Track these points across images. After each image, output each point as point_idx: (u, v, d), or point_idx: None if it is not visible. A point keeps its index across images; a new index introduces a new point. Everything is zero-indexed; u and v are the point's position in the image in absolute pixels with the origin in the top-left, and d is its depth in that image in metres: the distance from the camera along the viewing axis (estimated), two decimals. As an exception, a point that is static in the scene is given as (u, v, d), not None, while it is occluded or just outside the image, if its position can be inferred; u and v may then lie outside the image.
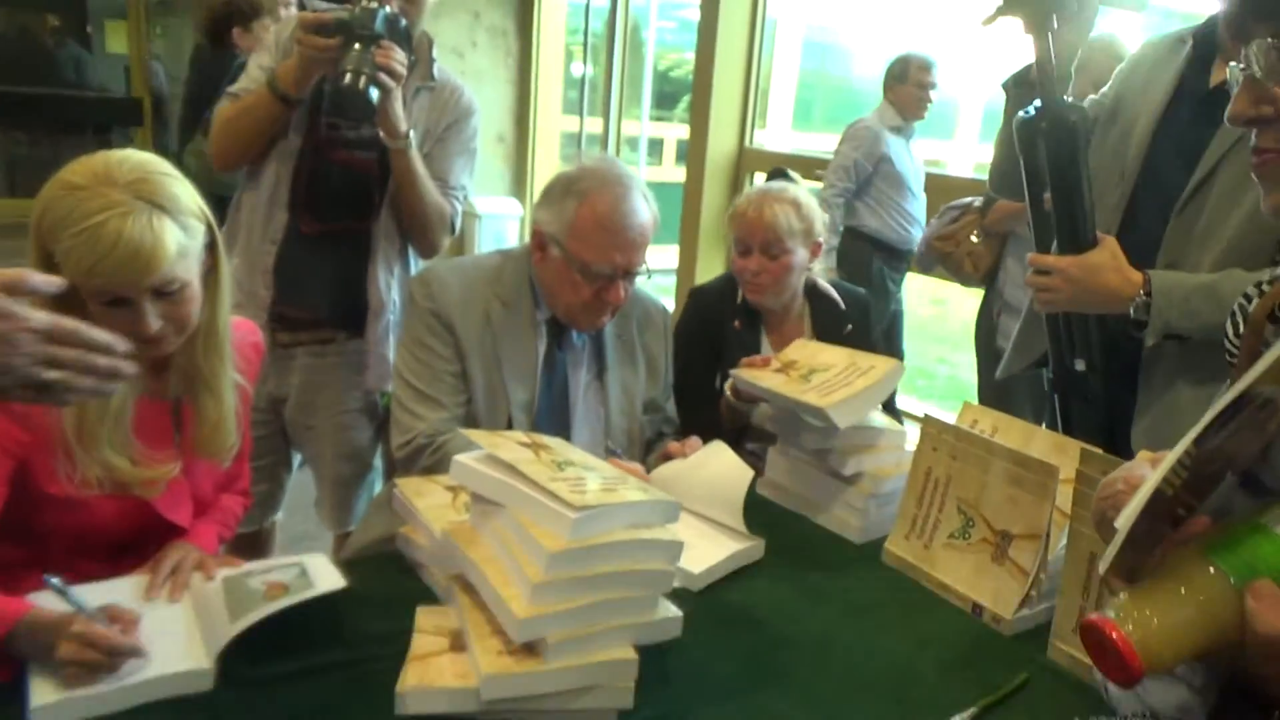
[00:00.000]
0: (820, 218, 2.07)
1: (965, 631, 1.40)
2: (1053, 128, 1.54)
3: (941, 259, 3.08)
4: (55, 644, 1.04)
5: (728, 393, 1.90)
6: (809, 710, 1.18)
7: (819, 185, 4.13)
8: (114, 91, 7.69)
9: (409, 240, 2.03)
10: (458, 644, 1.14)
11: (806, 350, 1.84)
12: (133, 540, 1.37)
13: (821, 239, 2.09)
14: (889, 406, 2.08)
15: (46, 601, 1.11)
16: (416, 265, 2.09)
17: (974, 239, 3.00)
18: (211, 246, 1.31)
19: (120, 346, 0.93)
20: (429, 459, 1.62)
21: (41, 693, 1.03)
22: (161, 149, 2.75)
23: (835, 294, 2.15)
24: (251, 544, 2.19)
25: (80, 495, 1.26)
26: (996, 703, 1.22)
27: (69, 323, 0.88)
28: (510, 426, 1.69)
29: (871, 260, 4.10)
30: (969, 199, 3.09)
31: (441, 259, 2.05)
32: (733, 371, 1.83)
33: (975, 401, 2.57)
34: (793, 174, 2.25)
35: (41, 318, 0.86)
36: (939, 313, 8.34)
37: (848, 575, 1.55)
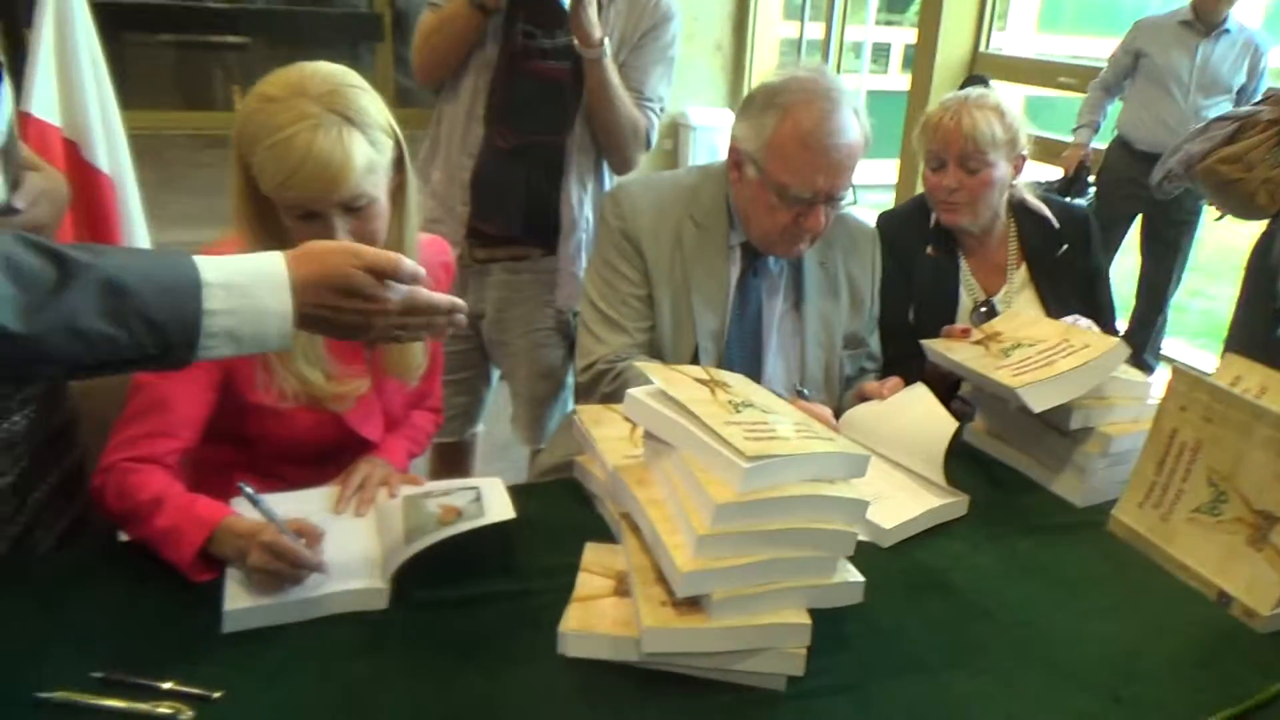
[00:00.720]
0: (1026, 128, 1.81)
1: (1207, 624, 1.20)
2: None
3: (1222, 185, 2.58)
4: (248, 550, 1.08)
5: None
6: (1005, 698, 1.05)
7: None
8: (356, 5, 8.10)
9: (604, 155, 1.96)
10: (623, 588, 1.10)
11: (1016, 321, 1.62)
12: (331, 450, 1.42)
13: (1025, 152, 1.83)
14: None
15: (249, 509, 1.16)
16: (611, 182, 2.03)
17: (1273, 162, 2.48)
18: (399, 163, 1.30)
19: (459, 304, 1.03)
20: (608, 386, 1.58)
21: (234, 597, 1.08)
22: (404, 64, 2.79)
23: (1047, 211, 1.89)
24: (454, 454, 2.28)
25: (279, 406, 1.31)
26: (1244, 713, 1.04)
27: (420, 298, 0.98)
28: (697, 355, 1.61)
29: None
30: (1248, 109, 2.58)
31: (640, 174, 1.97)
32: (924, 343, 1.64)
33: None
34: (991, 81, 1.97)
35: (397, 301, 0.96)
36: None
37: (1064, 544, 1.37)
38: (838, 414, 1.64)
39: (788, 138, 1.49)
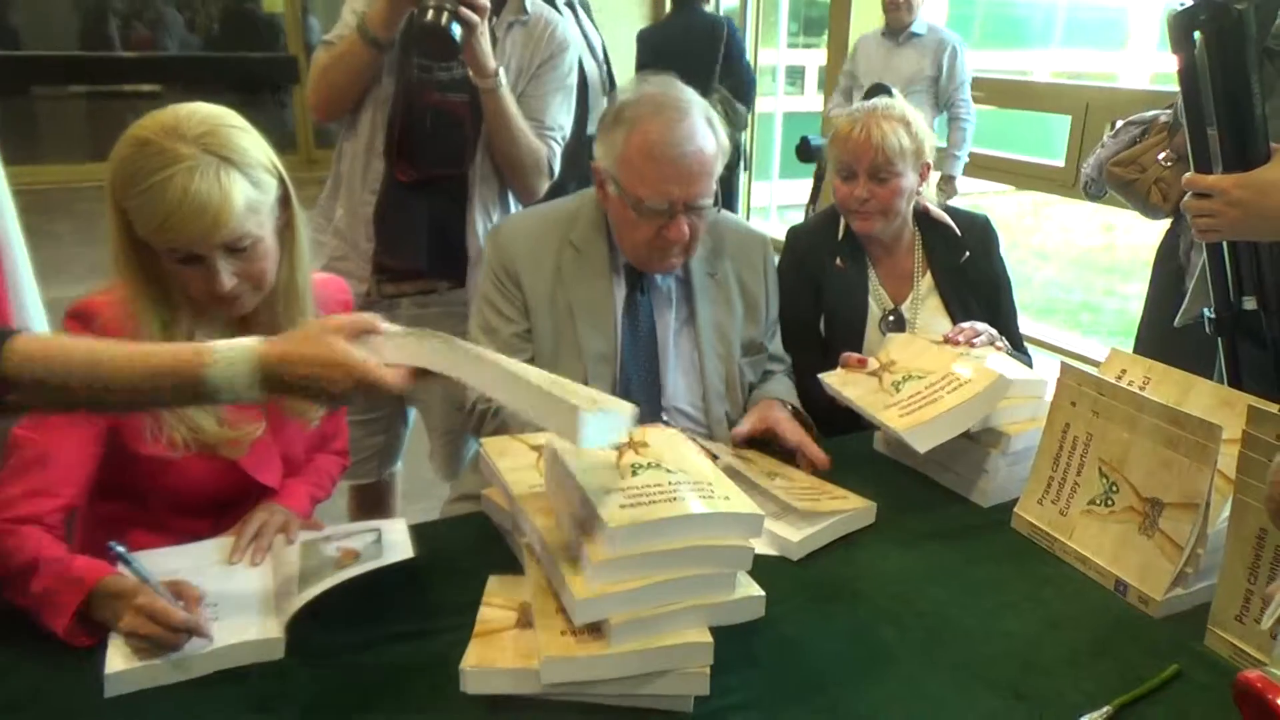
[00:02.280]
0: (930, 137, 1.86)
1: (1105, 613, 1.23)
2: (1213, 19, 1.28)
3: (1121, 187, 2.66)
4: (121, 614, 1.04)
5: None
6: (912, 703, 1.06)
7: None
8: (271, 50, 8.01)
9: (507, 185, 1.96)
10: (526, 619, 1.08)
11: (910, 349, 1.65)
12: (229, 500, 1.38)
13: (930, 160, 1.88)
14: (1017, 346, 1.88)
15: (146, 563, 1.11)
16: (516, 210, 2.02)
17: (1163, 163, 2.57)
18: (285, 201, 1.28)
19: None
20: (490, 425, 1.57)
21: (115, 660, 1.04)
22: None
23: (950, 220, 1.94)
24: (373, 495, 2.23)
25: (170, 455, 1.27)
26: (1139, 698, 1.06)
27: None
28: (586, 381, 1.60)
29: None
30: (1153, 113, 2.67)
31: (522, 209, 1.98)
32: (821, 377, 1.67)
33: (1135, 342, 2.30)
34: (894, 90, 2.02)
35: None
36: (1107, 241, 7.69)
37: (970, 544, 1.39)
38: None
39: (636, 151, 1.50)
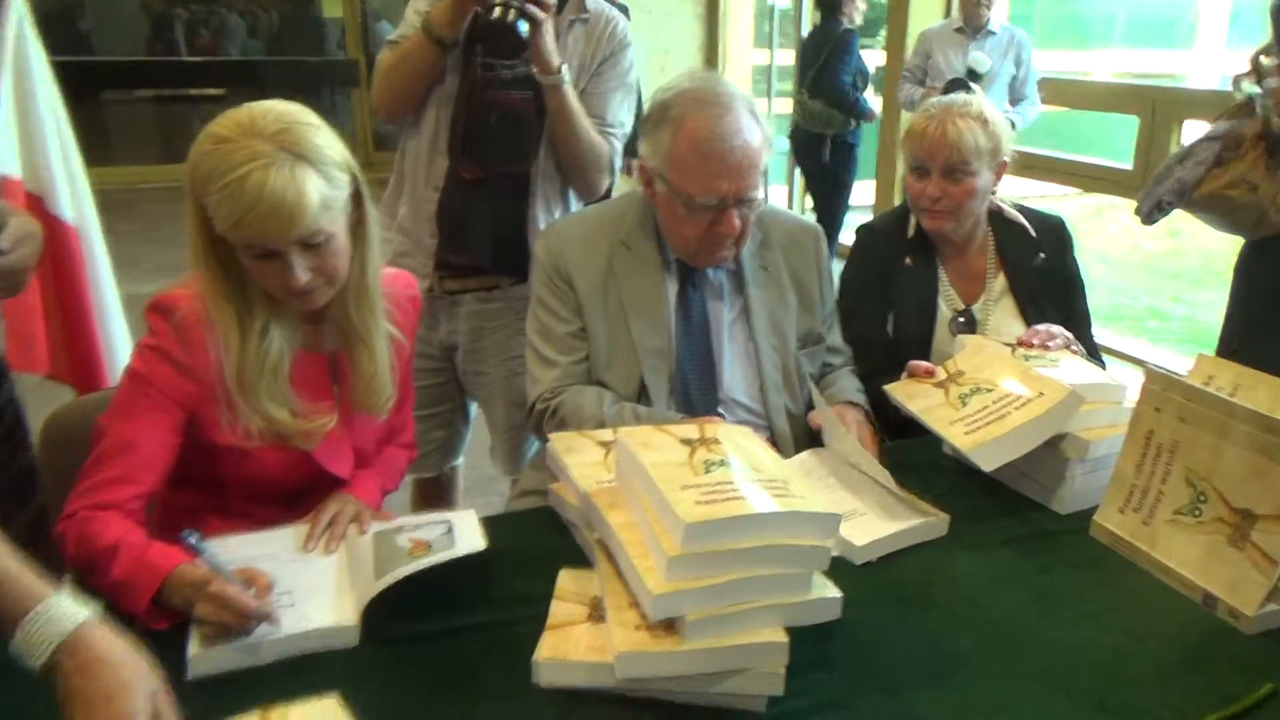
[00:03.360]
0: (1008, 135, 1.82)
1: (1193, 627, 1.19)
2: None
3: (1229, 211, 2.42)
4: (195, 601, 1.06)
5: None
6: (990, 710, 1.03)
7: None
8: (332, 53, 8.16)
9: (568, 183, 1.96)
10: (597, 613, 1.08)
11: (980, 358, 1.60)
12: (302, 489, 1.40)
13: (1007, 158, 1.84)
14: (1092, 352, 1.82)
15: (218, 551, 1.13)
16: (578, 208, 2.03)
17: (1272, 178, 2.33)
18: (357, 198, 1.29)
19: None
20: (549, 425, 1.57)
21: (195, 644, 1.05)
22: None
23: (1024, 220, 1.90)
24: (434, 489, 2.25)
25: (246, 446, 1.29)
26: (1232, 716, 1.02)
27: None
28: (642, 377, 1.60)
29: None
30: (1226, 126, 2.42)
31: (572, 211, 1.98)
32: (886, 388, 1.63)
33: (1214, 351, 2.22)
34: (976, 86, 1.97)
35: None
36: (1173, 245, 7.48)
37: (1046, 552, 1.35)
38: (808, 409, 1.64)
39: (684, 148, 1.50)
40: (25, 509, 1.32)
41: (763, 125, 1.54)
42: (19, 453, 1.33)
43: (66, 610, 0.88)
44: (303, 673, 1.05)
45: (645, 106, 1.82)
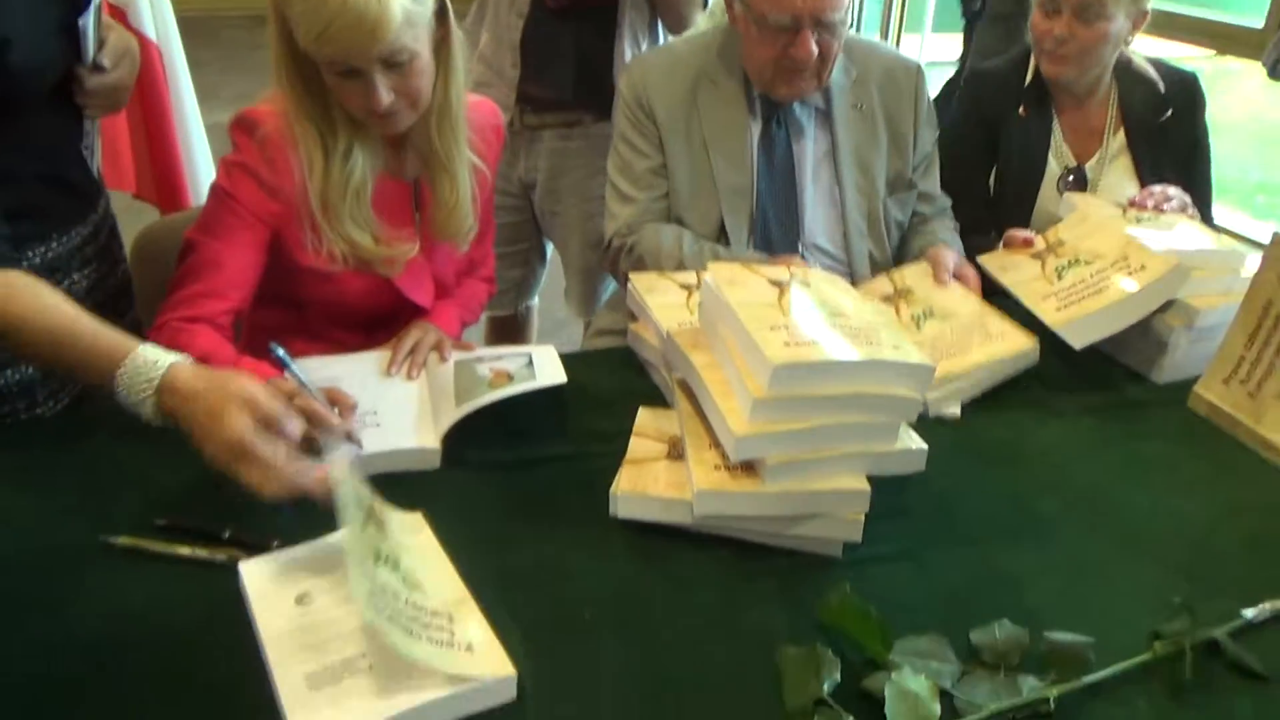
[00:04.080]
0: None
1: (1291, 504, 1.14)
2: None
3: None
4: None
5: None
6: (1069, 571, 1.02)
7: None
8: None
9: (659, 14, 1.86)
10: (676, 451, 1.08)
11: (1084, 226, 1.49)
12: (383, 316, 1.41)
13: (1149, 8, 1.67)
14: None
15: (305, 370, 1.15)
16: (666, 42, 1.93)
17: None
18: (442, 16, 1.23)
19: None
20: (625, 261, 1.55)
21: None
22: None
23: (1154, 73, 1.74)
24: (508, 328, 2.27)
25: (329, 269, 1.29)
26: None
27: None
28: (722, 214, 1.55)
29: None
30: None
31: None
32: (979, 259, 1.53)
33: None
34: None
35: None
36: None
37: (1141, 420, 1.30)
38: (896, 260, 1.60)
39: None
40: (121, 321, 1.34)
41: None
42: (116, 267, 1.36)
43: (154, 357, 0.95)
44: (382, 491, 1.07)
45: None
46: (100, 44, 1.20)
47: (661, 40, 1.92)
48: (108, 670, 0.82)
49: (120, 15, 2.04)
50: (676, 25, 1.89)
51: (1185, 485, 1.17)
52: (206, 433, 0.91)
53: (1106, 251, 1.41)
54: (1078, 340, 1.34)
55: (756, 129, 1.57)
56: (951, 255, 1.51)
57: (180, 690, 0.81)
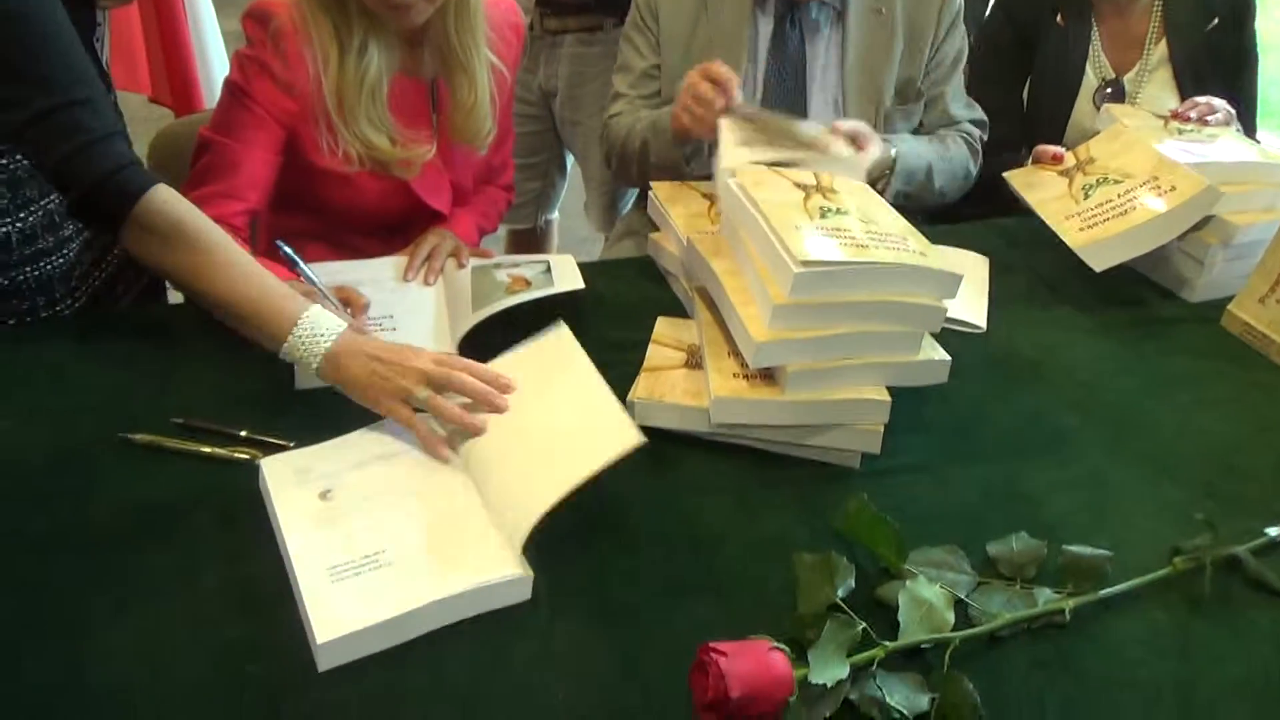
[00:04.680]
0: None
1: (1322, 424, 1.12)
2: None
3: None
4: None
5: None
6: (1090, 487, 1.00)
7: None
8: None
9: None
10: (694, 360, 1.06)
11: (1118, 143, 1.42)
12: (400, 221, 1.39)
13: None
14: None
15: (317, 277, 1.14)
16: None
17: None
18: None
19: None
20: (602, 148, 1.57)
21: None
22: None
23: None
24: (527, 241, 2.24)
25: (345, 170, 1.27)
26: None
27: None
28: None
29: None
30: None
31: None
32: (1005, 175, 1.48)
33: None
34: None
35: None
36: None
37: (1171, 337, 1.28)
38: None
39: None
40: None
41: None
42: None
43: (326, 321, 0.97)
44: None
45: None
46: None
47: None
48: (127, 563, 0.83)
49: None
50: None
51: (1213, 403, 1.15)
52: (371, 388, 0.94)
53: (1137, 170, 1.36)
54: (1098, 263, 1.30)
55: (767, 29, 1.52)
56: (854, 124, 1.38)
57: (200, 582, 0.82)
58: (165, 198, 1.01)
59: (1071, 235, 1.33)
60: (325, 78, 1.20)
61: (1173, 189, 1.30)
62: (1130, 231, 1.29)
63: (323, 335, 0.96)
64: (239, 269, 1.00)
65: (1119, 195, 1.35)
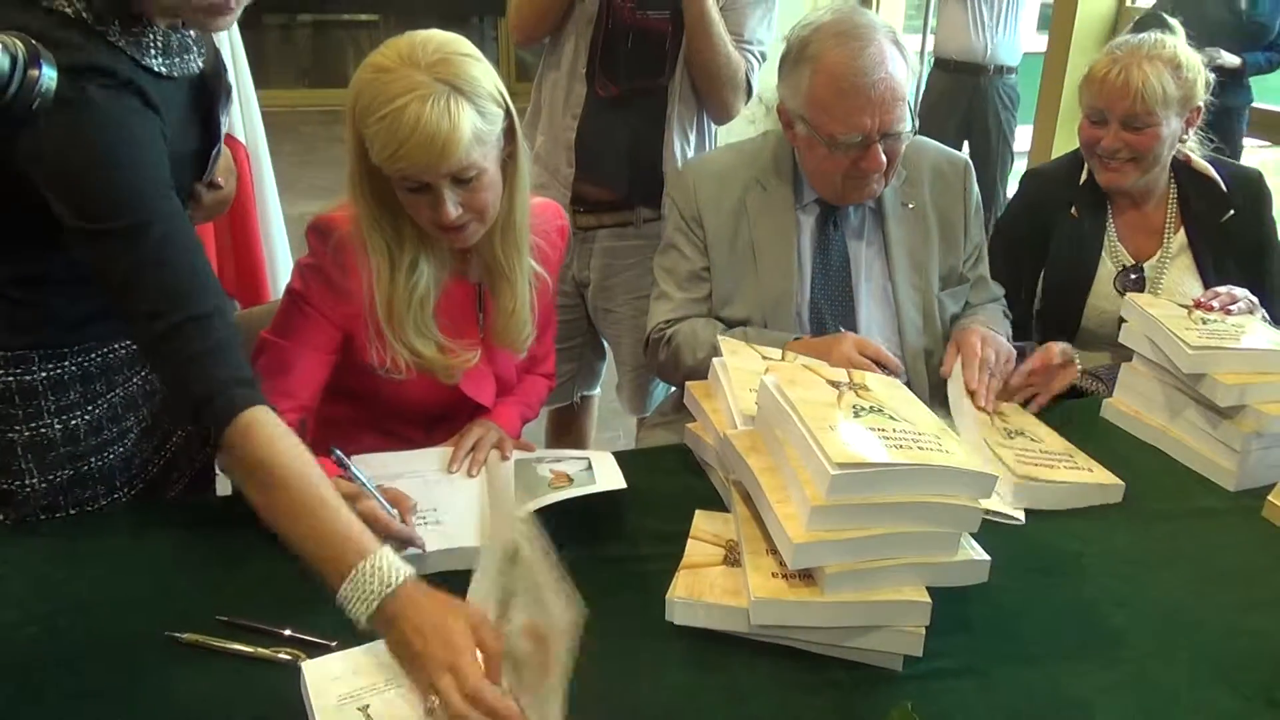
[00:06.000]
0: (1204, 79, 1.66)
1: (1379, 624, 1.09)
2: None
3: None
4: None
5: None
6: (1141, 693, 0.98)
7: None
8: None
9: (703, 104, 1.92)
10: (733, 556, 1.07)
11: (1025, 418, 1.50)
12: (444, 413, 1.44)
13: (1201, 104, 1.67)
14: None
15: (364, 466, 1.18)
16: (712, 134, 2.00)
17: None
18: (510, 133, 1.28)
19: None
20: (663, 351, 1.59)
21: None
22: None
23: (1214, 173, 1.74)
24: (568, 417, 2.29)
25: (393, 376, 1.33)
26: None
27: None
28: (765, 318, 1.58)
29: None
30: None
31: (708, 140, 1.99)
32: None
33: None
34: (1172, 21, 1.77)
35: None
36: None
37: (1213, 530, 1.26)
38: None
39: (823, 88, 1.44)
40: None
41: (906, 55, 1.48)
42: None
43: (394, 564, 0.92)
44: (445, 589, 1.08)
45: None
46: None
47: (708, 132, 2.00)
48: (170, 768, 0.84)
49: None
50: (721, 113, 1.96)
51: (1263, 602, 1.12)
52: (423, 637, 0.87)
53: (1055, 447, 1.40)
54: (1025, 502, 1.29)
55: (809, 233, 1.60)
56: (976, 335, 1.51)
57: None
58: (252, 426, 1.00)
59: (1008, 459, 1.33)
60: (377, 290, 1.27)
61: (1090, 471, 1.34)
62: (1059, 485, 1.30)
63: (373, 594, 0.90)
64: (305, 523, 0.96)
65: (1040, 451, 1.38)
